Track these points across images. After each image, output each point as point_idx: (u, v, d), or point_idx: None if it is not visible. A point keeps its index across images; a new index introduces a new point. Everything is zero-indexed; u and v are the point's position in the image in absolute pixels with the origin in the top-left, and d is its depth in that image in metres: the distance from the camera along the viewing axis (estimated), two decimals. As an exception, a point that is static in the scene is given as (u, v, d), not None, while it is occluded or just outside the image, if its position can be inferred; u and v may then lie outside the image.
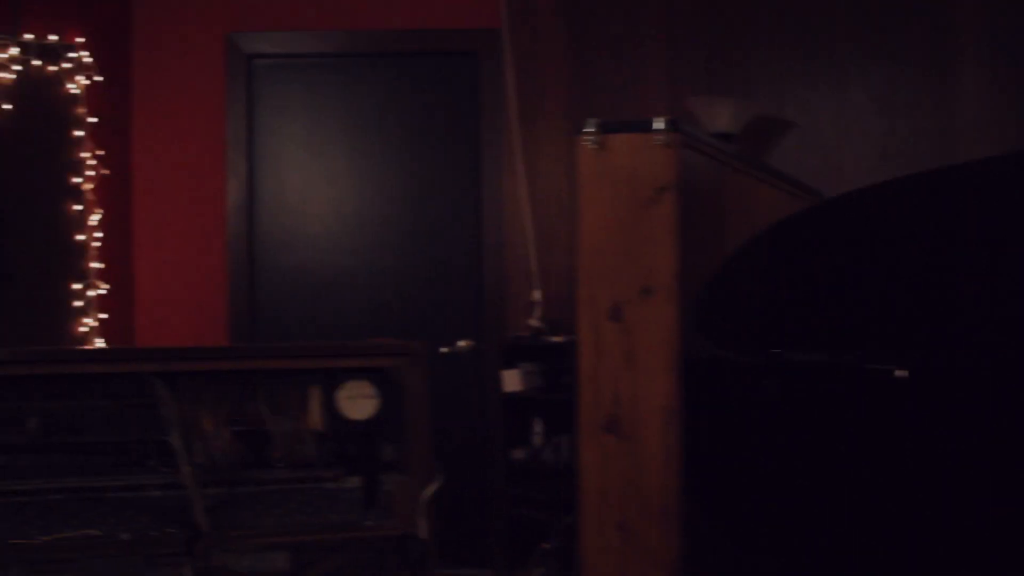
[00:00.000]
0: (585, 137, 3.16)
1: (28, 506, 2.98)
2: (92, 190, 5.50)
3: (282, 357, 3.11)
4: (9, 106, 5.16)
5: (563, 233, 5.61)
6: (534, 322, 5.51)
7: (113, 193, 5.61)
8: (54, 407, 3.07)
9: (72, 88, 5.42)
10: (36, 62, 5.27)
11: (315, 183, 5.79)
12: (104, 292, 5.54)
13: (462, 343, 5.59)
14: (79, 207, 5.43)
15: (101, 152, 5.54)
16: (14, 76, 5.18)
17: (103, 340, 5.51)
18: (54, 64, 5.34)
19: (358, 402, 3.13)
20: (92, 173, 5.50)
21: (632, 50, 5.58)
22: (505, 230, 5.68)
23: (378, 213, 5.78)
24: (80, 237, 5.43)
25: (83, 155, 5.46)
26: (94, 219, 5.50)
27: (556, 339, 5.33)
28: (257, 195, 5.76)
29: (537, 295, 5.56)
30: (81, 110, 5.46)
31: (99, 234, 5.52)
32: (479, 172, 5.74)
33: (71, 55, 5.40)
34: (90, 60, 5.48)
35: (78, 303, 5.42)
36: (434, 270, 5.78)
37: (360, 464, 3.14)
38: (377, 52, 5.81)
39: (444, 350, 5.55)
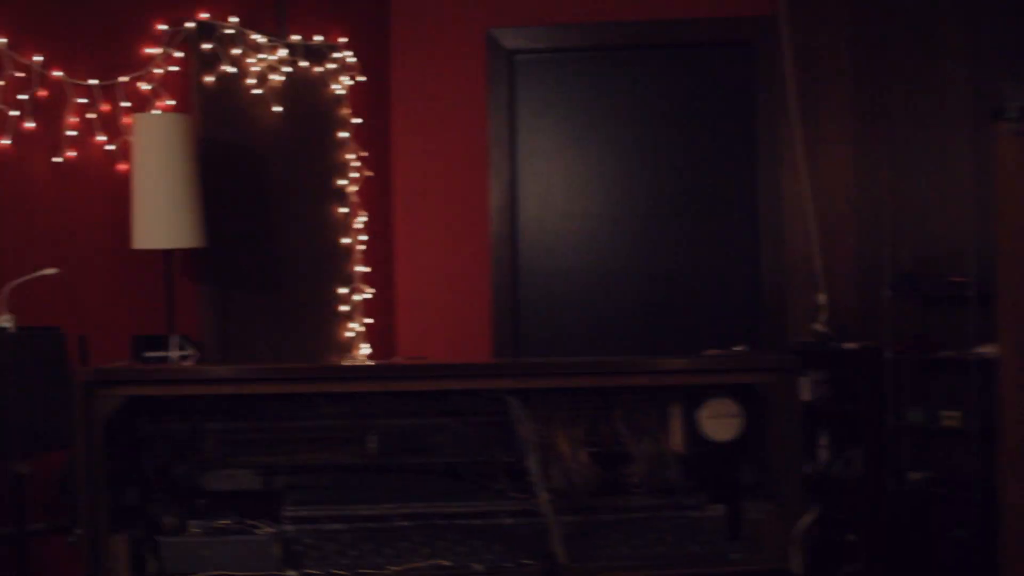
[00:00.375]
0: (1006, 123, 2.81)
1: (375, 533, 2.79)
2: (356, 192, 5.37)
3: (642, 373, 2.85)
4: (279, 109, 5.05)
5: (848, 232, 5.25)
6: (820, 327, 5.15)
7: (374, 195, 5.48)
8: (395, 425, 2.87)
9: (337, 89, 5.29)
10: (303, 63, 5.16)
11: (579, 182, 5.55)
12: (369, 296, 5.40)
13: (736, 348, 5.27)
14: (344, 210, 5.31)
15: (365, 154, 5.41)
16: (283, 78, 5.07)
17: (369, 346, 5.37)
18: (319, 65, 5.23)
19: (721, 422, 2.86)
20: (356, 175, 5.38)
21: (928, 31, 5.14)
22: (784, 230, 5.34)
23: (647, 213, 5.51)
24: (345, 240, 5.31)
25: (347, 157, 5.34)
26: (359, 222, 5.37)
27: (849, 346, 4.96)
28: (519, 196, 5.54)
29: (822, 299, 5.19)
30: (345, 111, 5.33)
31: (363, 237, 5.39)
32: (754, 168, 5.42)
33: (335, 55, 5.27)
34: (353, 60, 5.35)
35: (344, 308, 5.29)
36: (706, 272, 5.48)
37: (723, 490, 2.87)
38: (643, 44, 5.54)
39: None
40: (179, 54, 4.79)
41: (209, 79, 4.84)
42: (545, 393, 2.80)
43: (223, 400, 2.81)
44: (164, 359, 4.62)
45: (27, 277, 3.91)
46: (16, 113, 4.40)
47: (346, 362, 2.97)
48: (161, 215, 4.41)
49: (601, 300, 5.51)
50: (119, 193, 4.61)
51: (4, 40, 4.36)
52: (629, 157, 5.53)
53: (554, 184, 5.56)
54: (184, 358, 2.78)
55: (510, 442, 2.77)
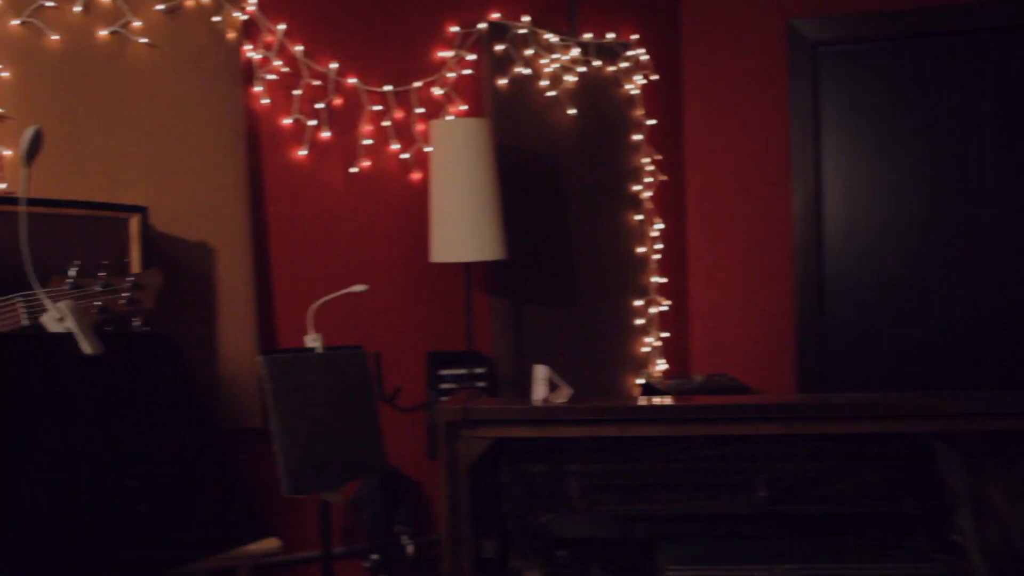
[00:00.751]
0: None
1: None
2: (651, 198, 5.03)
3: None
4: (574, 111, 4.75)
5: None
6: None
7: (667, 201, 5.12)
8: (786, 469, 2.50)
9: (630, 89, 4.96)
10: (596, 63, 4.84)
11: (889, 186, 5.05)
12: (665, 309, 5.06)
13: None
14: (639, 217, 4.97)
15: (659, 157, 5.06)
16: (576, 79, 4.77)
17: (665, 362, 5.03)
18: (612, 64, 4.90)
19: None
20: (650, 180, 5.03)
21: None
22: None
23: (967, 218, 4.98)
24: (640, 249, 4.97)
25: (642, 161, 5.00)
26: (654, 230, 5.03)
27: None
28: (824, 201, 5.08)
29: None
30: (639, 112, 4.99)
31: (659, 246, 5.04)
32: (1099, 165, 4.83)
33: (628, 53, 4.94)
34: (646, 58, 5.00)
35: (639, 321, 4.96)
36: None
37: None
38: (964, 31, 5.00)
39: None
40: (471, 57, 4.55)
41: (502, 81, 4.59)
42: (973, 436, 2.38)
43: (588, 440, 2.49)
44: (461, 377, 4.38)
45: (336, 294, 3.69)
46: (313, 123, 4.24)
47: (742, 400, 2.60)
48: (462, 227, 4.15)
49: (915, 316, 5.01)
50: (414, 203, 4.40)
51: (300, 48, 4.19)
52: (947, 158, 5.01)
53: (862, 188, 5.08)
54: (553, 392, 2.47)
55: (925, 492, 2.36)
